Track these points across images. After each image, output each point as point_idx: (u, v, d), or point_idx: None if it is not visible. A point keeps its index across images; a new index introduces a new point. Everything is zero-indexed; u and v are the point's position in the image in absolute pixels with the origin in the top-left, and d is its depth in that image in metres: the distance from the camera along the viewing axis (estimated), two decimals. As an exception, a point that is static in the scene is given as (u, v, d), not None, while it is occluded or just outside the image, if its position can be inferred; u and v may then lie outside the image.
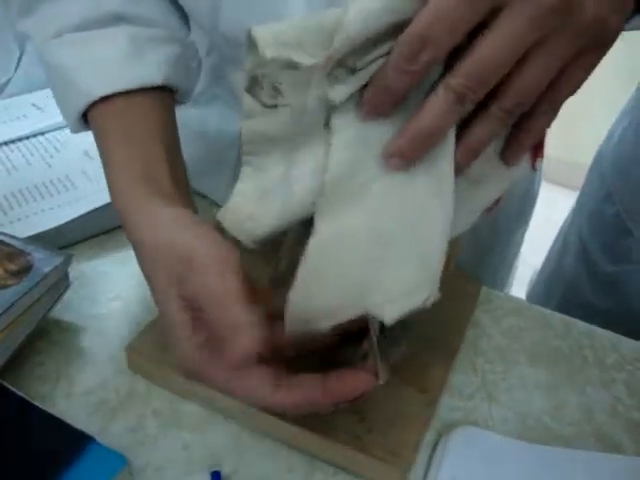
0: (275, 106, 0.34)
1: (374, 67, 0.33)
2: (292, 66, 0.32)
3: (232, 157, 0.67)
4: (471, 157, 0.35)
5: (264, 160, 0.37)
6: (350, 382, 0.37)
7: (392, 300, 0.36)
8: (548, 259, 0.81)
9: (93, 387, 0.48)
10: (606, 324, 0.55)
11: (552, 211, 1.13)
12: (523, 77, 0.31)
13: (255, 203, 0.37)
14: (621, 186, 0.65)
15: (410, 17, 0.31)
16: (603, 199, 0.67)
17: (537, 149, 0.38)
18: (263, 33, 0.32)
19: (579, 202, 0.75)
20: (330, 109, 0.35)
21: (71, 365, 0.50)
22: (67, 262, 0.51)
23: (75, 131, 0.50)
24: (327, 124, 0.35)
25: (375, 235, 0.35)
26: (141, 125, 0.45)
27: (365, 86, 0.34)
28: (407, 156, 0.34)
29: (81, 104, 0.46)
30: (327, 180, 0.35)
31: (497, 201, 0.40)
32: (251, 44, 0.33)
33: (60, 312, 0.54)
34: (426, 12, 0.29)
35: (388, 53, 0.32)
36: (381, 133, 0.35)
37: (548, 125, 0.35)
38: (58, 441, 0.40)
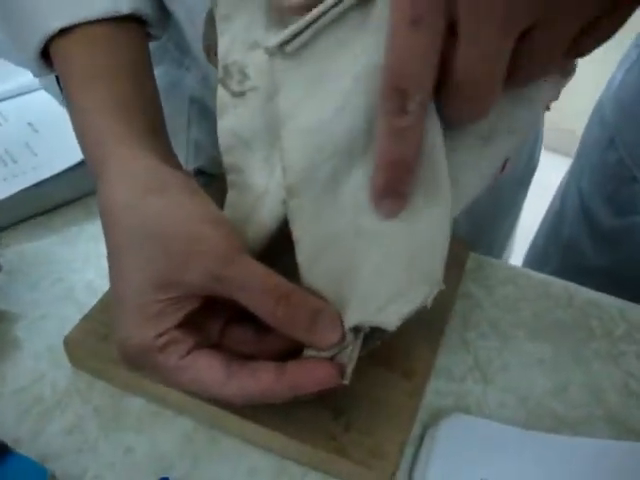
0: (244, 93, 0.33)
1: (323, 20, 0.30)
2: None
3: (182, 123, 0.62)
4: None
5: (246, 176, 0.35)
6: (312, 373, 0.31)
7: (388, 302, 0.32)
8: (544, 222, 0.77)
9: (27, 383, 0.42)
10: (608, 286, 0.49)
11: (545, 177, 1.09)
12: (528, 65, 0.28)
13: (241, 227, 0.35)
14: (624, 128, 0.60)
15: None
16: (605, 147, 0.62)
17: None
18: None
19: (578, 156, 0.70)
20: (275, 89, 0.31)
21: (3, 359, 0.44)
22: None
23: (37, 74, 0.44)
24: None
25: (355, 234, 0.32)
26: (109, 58, 0.39)
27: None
28: (395, 190, 0.30)
29: (39, 39, 0.40)
30: (288, 183, 0.31)
31: (506, 161, 0.35)
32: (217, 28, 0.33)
33: (-8, 300, 0.48)
34: (389, 62, 0.27)
35: (326, 12, 0.29)
36: (338, 115, 0.30)
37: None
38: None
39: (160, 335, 0.31)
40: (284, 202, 0.33)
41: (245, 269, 0.31)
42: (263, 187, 0.34)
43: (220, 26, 0.34)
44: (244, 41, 0.33)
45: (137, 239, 0.32)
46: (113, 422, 0.40)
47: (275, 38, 0.29)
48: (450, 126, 0.31)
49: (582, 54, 0.29)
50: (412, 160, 0.29)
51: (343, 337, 0.32)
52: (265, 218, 0.34)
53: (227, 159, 0.35)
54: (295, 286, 0.31)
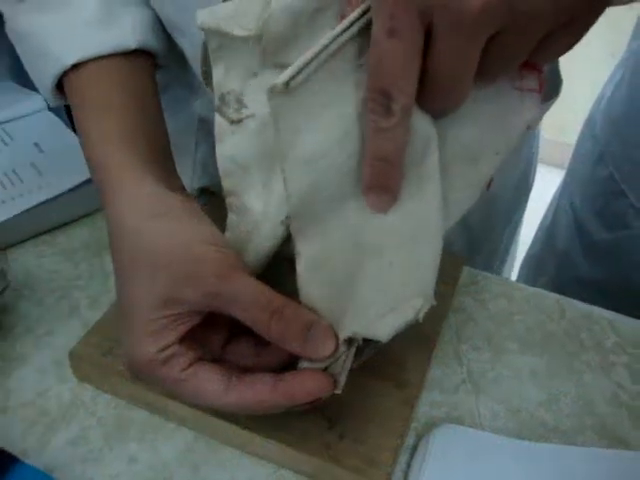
0: (240, 120, 0.34)
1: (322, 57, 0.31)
2: (224, 36, 0.33)
3: (190, 143, 0.63)
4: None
5: (245, 199, 0.36)
6: (305, 384, 0.33)
7: (382, 315, 0.33)
8: (538, 235, 0.77)
9: (33, 397, 0.43)
10: (602, 298, 0.50)
11: (543, 190, 1.10)
12: (489, 70, 0.30)
13: (242, 248, 0.36)
14: (613, 143, 0.61)
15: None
16: (595, 162, 0.63)
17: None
18: (202, 14, 0.33)
19: (570, 170, 0.71)
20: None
21: (10, 374, 0.45)
22: (1, 260, 0.46)
23: (53, 104, 0.46)
24: None
25: (354, 248, 0.33)
26: (117, 90, 0.42)
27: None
28: (381, 184, 0.32)
29: (53, 74, 0.42)
30: (292, 209, 0.32)
31: (491, 180, 0.36)
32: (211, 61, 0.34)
33: (0, 316, 0.49)
34: (372, 68, 0.28)
35: (327, 46, 0.30)
36: (339, 142, 0.31)
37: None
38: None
39: (163, 349, 0.33)
40: (282, 223, 0.34)
41: (240, 286, 0.32)
42: (261, 210, 0.35)
43: (213, 56, 0.35)
44: (239, 70, 0.34)
45: (142, 260, 0.33)
46: (117, 433, 0.41)
47: (280, 77, 0.29)
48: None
49: (545, 60, 0.31)
50: (397, 158, 0.30)
51: (336, 349, 0.33)
52: (264, 240, 0.35)
53: (226, 183, 0.36)
54: (288, 300, 0.33)
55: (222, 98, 0.34)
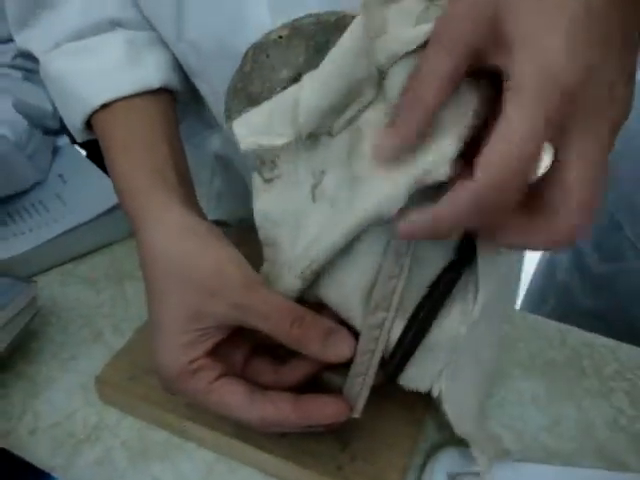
0: (272, 180, 0.37)
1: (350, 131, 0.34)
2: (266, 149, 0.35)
3: (205, 176, 0.65)
4: None
5: (277, 250, 0.38)
6: (323, 408, 0.35)
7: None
8: (539, 265, 0.79)
9: (60, 419, 0.46)
10: (603, 328, 0.52)
11: None
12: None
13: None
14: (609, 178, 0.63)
15: (369, 75, 0.32)
16: None
17: None
18: (239, 126, 0.36)
19: None
20: (319, 177, 0.36)
21: (38, 397, 0.48)
22: (31, 290, 0.49)
23: (81, 140, 0.50)
24: (313, 194, 0.37)
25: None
26: (144, 126, 0.45)
27: None
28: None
29: (83, 113, 0.46)
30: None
31: None
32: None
33: (28, 341, 0.51)
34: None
35: (361, 110, 0.33)
36: None
37: None
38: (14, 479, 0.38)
39: (192, 361, 0.36)
40: (297, 277, 0.36)
41: (263, 297, 0.35)
42: (288, 260, 0.38)
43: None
44: (249, 149, 0.37)
45: (174, 279, 0.36)
46: (140, 454, 0.43)
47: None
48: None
49: None
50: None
51: (353, 355, 0.35)
52: (286, 286, 0.38)
53: (261, 236, 0.39)
54: (310, 310, 0.35)
55: (260, 158, 0.37)
